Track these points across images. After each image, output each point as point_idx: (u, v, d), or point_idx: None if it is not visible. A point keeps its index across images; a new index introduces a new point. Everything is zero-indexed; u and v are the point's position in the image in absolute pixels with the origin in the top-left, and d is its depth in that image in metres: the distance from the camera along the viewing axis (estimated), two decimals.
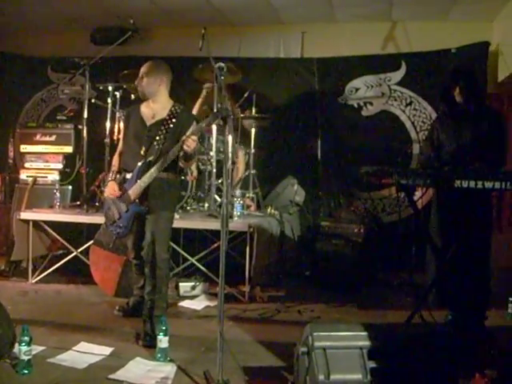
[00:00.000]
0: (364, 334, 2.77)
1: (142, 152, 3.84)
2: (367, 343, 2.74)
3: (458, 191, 3.55)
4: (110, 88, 5.75)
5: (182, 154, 3.76)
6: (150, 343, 3.65)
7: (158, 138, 3.83)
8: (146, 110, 4.01)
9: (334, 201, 6.58)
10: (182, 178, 5.26)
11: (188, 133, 3.72)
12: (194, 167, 5.48)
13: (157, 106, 3.96)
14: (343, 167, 6.52)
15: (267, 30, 7.05)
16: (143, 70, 3.96)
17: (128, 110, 4.21)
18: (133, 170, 3.85)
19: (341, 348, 2.70)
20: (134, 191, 3.81)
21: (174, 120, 3.85)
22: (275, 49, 7.04)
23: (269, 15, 6.65)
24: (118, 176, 4.02)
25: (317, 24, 6.87)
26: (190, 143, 3.62)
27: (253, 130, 6.08)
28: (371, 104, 6.78)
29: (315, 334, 2.69)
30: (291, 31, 7.00)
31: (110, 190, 3.94)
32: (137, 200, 3.82)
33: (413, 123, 6.63)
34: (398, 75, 6.67)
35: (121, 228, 3.93)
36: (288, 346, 3.56)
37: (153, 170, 3.75)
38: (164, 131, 3.84)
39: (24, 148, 6.40)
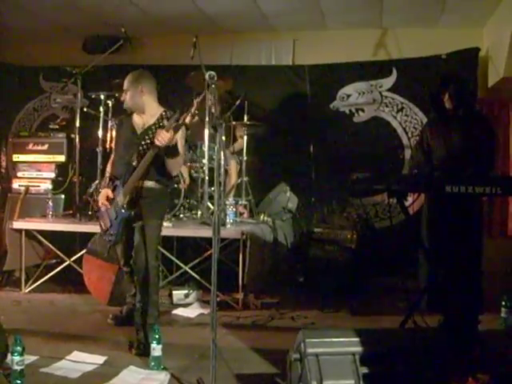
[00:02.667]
0: (356, 339, 2.77)
1: (132, 159, 3.85)
2: (360, 349, 2.74)
3: (448, 196, 3.58)
4: (102, 97, 5.75)
5: (162, 152, 3.73)
6: (143, 352, 3.64)
7: (143, 143, 3.85)
8: (137, 119, 4.04)
9: (327, 207, 6.59)
10: (175, 185, 5.26)
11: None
12: (186, 174, 5.48)
13: (146, 115, 3.98)
14: (335, 173, 6.52)
15: (259, 38, 7.08)
16: (124, 85, 3.99)
17: (120, 119, 4.23)
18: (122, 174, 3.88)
19: (333, 354, 2.70)
20: (120, 197, 3.83)
21: (161, 125, 3.84)
22: (267, 56, 7.07)
23: (260, 23, 6.68)
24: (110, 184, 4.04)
25: (308, 31, 6.91)
26: (162, 137, 3.59)
27: (245, 138, 6.10)
28: (363, 110, 6.81)
29: (308, 340, 2.69)
30: (283, 39, 7.03)
31: (103, 197, 3.97)
32: (124, 205, 3.81)
33: (404, 129, 6.67)
34: (389, 81, 6.71)
35: (112, 236, 3.94)
36: (282, 353, 3.56)
37: (135, 174, 3.77)
38: (151, 136, 3.82)
39: (16, 157, 6.40)
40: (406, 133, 6.66)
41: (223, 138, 3.85)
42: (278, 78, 6.96)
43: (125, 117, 4.15)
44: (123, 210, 3.80)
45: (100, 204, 4.03)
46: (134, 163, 3.80)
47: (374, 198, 6.42)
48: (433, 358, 3.12)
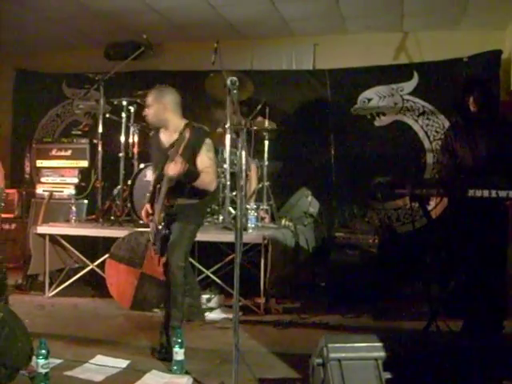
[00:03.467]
0: (379, 344, 2.76)
1: (159, 178, 3.91)
2: (382, 354, 2.73)
3: (471, 201, 3.54)
4: (124, 103, 5.80)
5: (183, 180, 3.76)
6: (164, 356, 3.67)
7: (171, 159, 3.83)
8: (162, 135, 4.05)
9: (348, 212, 6.56)
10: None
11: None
12: None
13: (170, 130, 3.97)
14: (357, 178, 6.50)
15: (279, 43, 7.09)
16: (147, 100, 3.99)
17: (150, 138, 4.29)
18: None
19: (356, 359, 2.69)
20: (155, 216, 3.90)
21: (186, 139, 3.78)
22: (287, 61, 7.07)
23: (281, 28, 6.69)
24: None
25: (328, 36, 6.90)
26: (170, 169, 3.64)
27: (266, 142, 6.12)
28: (384, 114, 6.78)
29: (330, 345, 2.68)
30: (303, 43, 7.03)
31: (144, 212, 4.07)
32: (159, 225, 3.86)
33: (426, 133, 6.62)
34: (411, 85, 6.67)
35: (156, 249, 3.97)
36: (304, 358, 3.56)
37: (161, 195, 3.80)
38: (177, 152, 3.78)
39: (40, 163, 6.47)
40: (428, 137, 6.61)
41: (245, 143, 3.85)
42: (299, 83, 6.96)
43: (154, 132, 4.19)
44: (159, 228, 3.86)
45: (143, 217, 4.12)
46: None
47: (396, 203, 6.39)
48: (456, 364, 3.10)
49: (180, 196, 3.86)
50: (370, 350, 2.73)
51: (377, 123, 6.80)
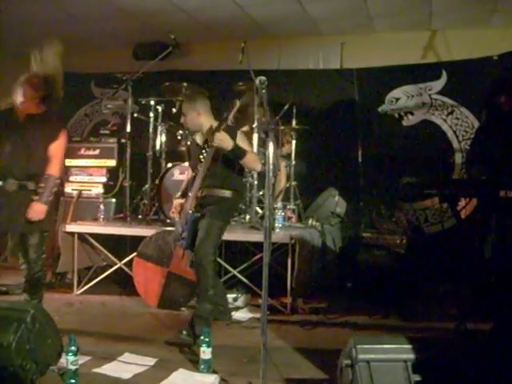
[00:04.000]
0: (408, 346, 2.73)
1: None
2: (411, 356, 2.70)
3: (502, 201, 3.49)
4: (151, 102, 5.86)
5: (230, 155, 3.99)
6: (181, 337, 3.82)
7: (203, 156, 4.06)
8: (198, 138, 4.33)
9: (376, 212, 6.51)
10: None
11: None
12: None
13: (206, 132, 4.21)
14: (384, 178, 6.46)
15: (306, 42, 7.06)
16: (182, 109, 4.27)
17: (188, 141, 4.62)
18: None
19: (385, 361, 2.67)
20: (187, 203, 4.07)
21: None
22: (314, 60, 7.04)
23: (308, 27, 6.67)
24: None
25: (356, 35, 6.85)
26: (218, 138, 3.85)
27: (293, 142, 6.11)
28: (412, 114, 6.72)
29: (359, 346, 2.66)
30: (330, 42, 6.99)
31: (175, 206, 4.30)
32: (192, 209, 4.04)
33: (455, 132, 6.54)
34: (439, 84, 6.60)
35: (184, 239, 4.08)
36: (330, 359, 3.54)
37: (198, 179, 4.02)
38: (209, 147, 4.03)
39: (69, 162, 6.54)
40: (457, 136, 6.53)
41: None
42: (326, 82, 6.93)
43: (190, 138, 4.48)
44: (190, 212, 4.02)
45: (171, 213, 4.33)
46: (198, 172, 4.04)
47: (424, 203, 6.33)
48: (486, 367, 3.05)
49: (214, 186, 4.09)
50: (400, 351, 2.71)
51: (405, 123, 6.74)
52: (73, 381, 3.16)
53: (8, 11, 6.20)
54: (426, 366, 2.73)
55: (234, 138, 4.01)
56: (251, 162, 4.10)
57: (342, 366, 2.78)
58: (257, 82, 2.96)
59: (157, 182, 5.59)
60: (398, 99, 6.76)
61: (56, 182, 4.18)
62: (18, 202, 4.05)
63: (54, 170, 4.13)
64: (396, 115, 6.77)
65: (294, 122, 6.07)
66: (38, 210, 4.04)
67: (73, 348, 3.16)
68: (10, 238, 6.13)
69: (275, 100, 5.98)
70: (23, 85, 4.10)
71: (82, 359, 3.38)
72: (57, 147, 4.18)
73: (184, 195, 4.35)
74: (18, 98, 4.09)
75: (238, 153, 3.99)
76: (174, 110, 5.97)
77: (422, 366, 2.71)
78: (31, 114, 4.12)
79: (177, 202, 4.35)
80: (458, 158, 6.40)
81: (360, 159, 6.78)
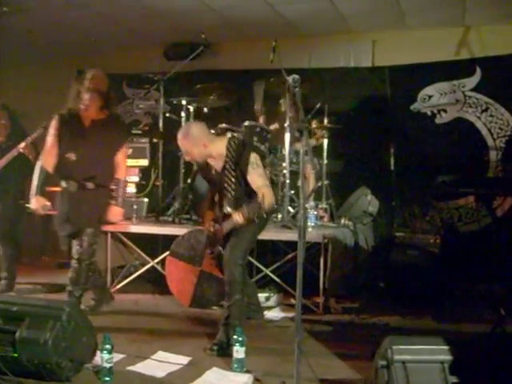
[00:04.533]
0: (445, 347, 2.68)
1: (216, 199, 4.09)
2: (448, 357, 2.65)
3: None
4: (183, 102, 5.88)
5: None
6: (217, 351, 3.73)
7: (226, 185, 3.91)
8: (211, 161, 4.08)
9: (409, 211, 6.45)
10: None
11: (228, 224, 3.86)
12: None
13: (215, 156, 4.00)
14: (417, 176, 6.39)
15: (337, 40, 7.02)
16: (183, 150, 4.02)
17: (198, 167, 4.40)
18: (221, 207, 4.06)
19: (421, 362, 2.62)
20: (219, 231, 4.03)
21: (231, 159, 3.89)
22: (345, 58, 6.99)
23: (338, 25, 6.63)
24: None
25: (387, 32, 6.79)
26: (236, 219, 3.73)
27: (325, 141, 6.07)
28: (445, 111, 6.63)
29: (394, 347, 2.62)
30: (361, 40, 6.95)
31: (206, 221, 4.22)
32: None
33: (489, 130, 6.43)
34: (473, 81, 6.50)
35: (213, 253, 4.18)
36: (363, 359, 3.53)
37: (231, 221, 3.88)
38: (230, 176, 3.89)
39: None
40: (491, 134, 6.42)
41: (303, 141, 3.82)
42: (358, 80, 6.89)
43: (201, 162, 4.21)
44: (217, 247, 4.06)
45: (204, 226, 4.28)
46: (229, 209, 3.91)
47: (458, 201, 6.24)
48: None
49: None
50: (436, 352, 2.66)
51: (438, 120, 6.65)
52: (107, 378, 3.20)
53: (40, 16, 6.30)
54: (462, 367, 2.68)
55: (241, 178, 3.87)
56: (267, 208, 3.77)
57: (377, 366, 2.74)
58: (290, 80, 2.94)
59: (189, 181, 5.61)
60: (430, 97, 6.68)
61: (125, 184, 4.63)
62: (79, 202, 4.29)
63: (122, 174, 4.52)
64: (429, 113, 6.69)
65: (325, 121, 6.05)
66: (117, 213, 4.49)
67: (107, 346, 3.20)
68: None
69: (306, 99, 5.96)
70: (89, 91, 4.25)
71: (116, 357, 3.40)
72: (123, 153, 4.54)
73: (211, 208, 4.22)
74: (84, 103, 4.23)
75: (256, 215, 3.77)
76: (206, 110, 5.99)
77: (458, 368, 2.66)
78: (96, 119, 4.31)
79: (208, 214, 4.21)
80: (493, 156, 6.29)
81: (392, 158, 6.72)
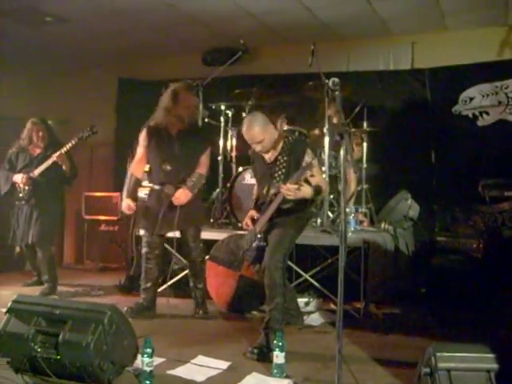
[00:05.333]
0: (491, 355, 2.62)
1: (265, 191, 4.12)
2: (495, 366, 2.59)
3: None
4: (222, 107, 5.91)
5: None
6: (258, 356, 3.72)
7: (276, 175, 4.00)
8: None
9: (450, 215, 6.33)
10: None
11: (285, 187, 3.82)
12: None
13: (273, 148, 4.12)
14: (459, 180, 6.27)
15: (376, 43, 6.95)
16: (254, 139, 4.07)
17: (251, 155, 4.43)
18: (263, 203, 4.13)
19: (466, 370, 2.57)
20: (259, 224, 4.06)
21: (287, 153, 4.01)
22: (384, 61, 6.92)
23: (377, 27, 6.56)
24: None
25: (427, 33, 6.69)
26: (288, 192, 3.77)
27: (364, 145, 6.03)
28: (487, 113, 6.49)
29: (438, 354, 2.57)
30: (400, 42, 6.86)
31: (248, 217, 4.28)
32: (261, 234, 4.05)
33: None
34: None
35: (250, 256, 4.18)
36: (406, 366, 3.48)
37: (267, 213, 3.99)
38: (281, 167, 3.99)
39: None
40: None
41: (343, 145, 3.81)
42: (397, 83, 6.80)
43: (253, 152, 4.32)
44: (258, 241, 4.06)
45: (244, 223, 4.32)
46: (268, 198, 4.00)
47: (501, 205, 6.08)
48: None
49: (285, 214, 4.01)
50: (482, 360, 2.60)
51: (480, 123, 6.51)
52: (148, 382, 3.21)
53: (81, 25, 6.42)
54: (509, 376, 2.61)
55: (295, 169, 3.94)
56: (320, 193, 4.01)
57: (420, 374, 2.70)
58: (330, 83, 2.93)
59: (228, 185, 5.63)
60: (472, 99, 6.55)
61: (203, 180, 4.81)
62: (171, 204, 4.66)
63: (203, 170, 4.79)
64: (470, 115, 6.55)
65: (365, 125, 5.99)
66: (182, 194, 4.65)
67: (148, 350, 3.22)
68: None
69: (345, 102, 5.91)
70: (177, 106, 4.66)
71: (156, 361, 3.42)
72: (206, 157, 4.83)
73: (257, 206, 4.30)
74: (174, 118, 4.65)
75: (313, 196, 3.97)
76: (244, 115, 6.00)
77: (506, 377, 2.59)
78: (181, 129, 4.70)
79: (251, 212, 4.28)
80: None
81: (433, 161, 6.60)
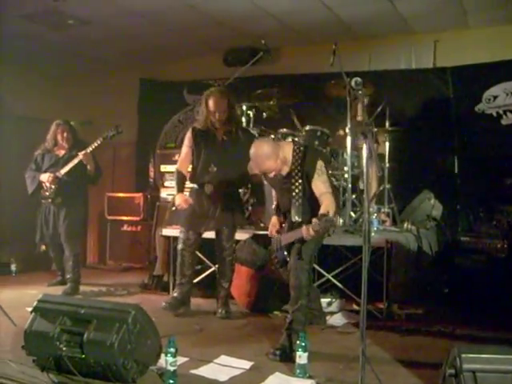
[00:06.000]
0: None
1: (281, 205, 4.23)
2: None
3: None
4: (243, 107, 5.92)
5: None
6: (280, 357, 3.71)
7: (293, 187, 3.94)
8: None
9: (474, 215, 6.27)
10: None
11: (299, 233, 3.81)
12: None
13: (282, 161, 4.06)
14: (482, 179, 6.21)
15: (397, 42, 6.92)
16: (262, 170, 4.11)
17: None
18: (284, 213, 4.17)
19: (492, 372, 2.53)
20: (285, 239, 4.06)
21: (297, 166, 3.94)
22: (406, 60, 6.88)
23: (399, 26, 6.53)
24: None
25: (449, 31, 6.64)
26: (308, 237, 3.74)
27: (387, 144, 6.00)
28: (511, 112, 6.41)
29: (463, 355, 2.54)
30: (422, 41, 6.81)
31: (272, 225, 4.36)
32: (283, 248, 4.07)
33: None
34: None
35: (278, 263, 4.20)
36: (429, 367, 3.45)
37: (288, 236, 4.00)
38: (297, 178, 3.93)
39: (164, 168, 6.75)
40: None
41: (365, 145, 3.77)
42: (419, 82, 6.74)
43: None
44: (282, 252, 4.09)
45: (269, 231, 4.38)
46: (297, 218, 3.93)
47: None
48: None
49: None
50: (508, 362, 2.55)
51: (504, 121, 6.44)
52: (172, 381, 3.22)
53: (103, 28, 6.48)
54: None
55: (306, 184, 3.94)
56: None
57: (445, 375, 2.67)
58: (352, 83, 2.92)
59: (249, 186, 5.63)
60: (495, 97, 6.47)
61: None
62: (214, 203, 4.85)
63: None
64: (494, 114, 6.49)
65: (387, 124, 5.96)
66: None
67: (172, 349, 3.23)
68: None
69: (367, 102, 5.89)
70: (216, 109, 4.78)
71: (180, 360, 3.42)
72: None
73: (278, 212, 4.33)
74: (215, 121, 4.81)
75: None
76: (265, 115, 6.01)
77: None
78: (227, 131, 4.86)
79: (274, 220, 4.33)
80: None
81: (456, 160, 6.55)
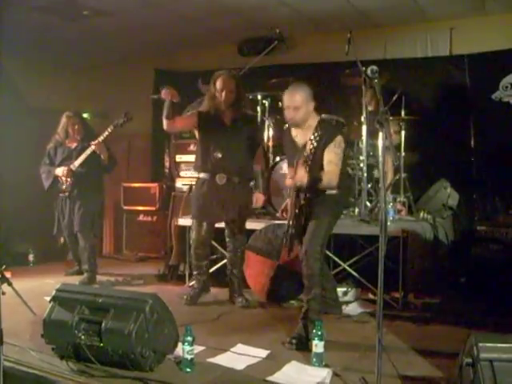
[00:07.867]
0: None
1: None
2: None
3: None
4: (258, 97, 5.92)
5: None
6: (296, 345, 3.74)
7: (304, 157, 3.86)
8: (294, 131, 4.13)
9: (490, 204, 6.21)
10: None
11: None
12: None
13: (304, 127, 4.02)
14: (499, 168, 6.14)
15: (413, 29, 6.83)
16: (293, 103, 3.96)
17: (283, 134, 4.41)
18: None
19: (509, 361, 2.52)
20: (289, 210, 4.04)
21: (318, 135, 3.82)
22: (422, 48, 6.79)
23: (414, 14, 6.45)
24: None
25: (466, 19, 6.53)
26: (297, 178, 3.83)
27: (403, 133, 5.96)
28: None
29: (481, 344, 2.53)
30: (438, 28, 6.71)
31: (282, 207, 4.35)
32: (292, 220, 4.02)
33: None
34: None
35: (287, 242, 4.12)
36: (445, 356, 3.45)
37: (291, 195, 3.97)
38: (311, 149, 3.81)
39: (179, 158, 6.77)
40: None
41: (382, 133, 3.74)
42: (435, 70, 6.65)
43: (284, 130, 4.32)
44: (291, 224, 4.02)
45: (279, 213, 4.44)
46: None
47: None
48: None
49: (319, 204, 3.95)
50: None
51: None
52: (189, 369, 3.27)
53: (118, 18, 6.48)
54: None
55: (320, 157, 3.88)
56: (324, 186, 3.90)
57: (461, 364, 2.67)
58: (368, 71, 2.90)
59: (265, 175, 5.64)
60: None
61: (268, 170, 5.26)
62: (226, 194, 4.79)
63: (260, 164, 5.01)
64: (511, 102, 6.41)
65: (403, 113, 5.91)
66: (260, 199, 4.95)
67: (189, 338, 3.27)
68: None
69: (383, 90, 5.84)
70: (222, 92, 4.76)
71: (196, 349, 3.46)
72: (262, 149, 5.08)
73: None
74: (219, 103, 4.76)
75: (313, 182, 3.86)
76: (280, 104, 5.99)
77: None
78: (234, 117, 4.81)
79: (286, 203, 4.27)
80: None
81: (472, 149, 6.47)
